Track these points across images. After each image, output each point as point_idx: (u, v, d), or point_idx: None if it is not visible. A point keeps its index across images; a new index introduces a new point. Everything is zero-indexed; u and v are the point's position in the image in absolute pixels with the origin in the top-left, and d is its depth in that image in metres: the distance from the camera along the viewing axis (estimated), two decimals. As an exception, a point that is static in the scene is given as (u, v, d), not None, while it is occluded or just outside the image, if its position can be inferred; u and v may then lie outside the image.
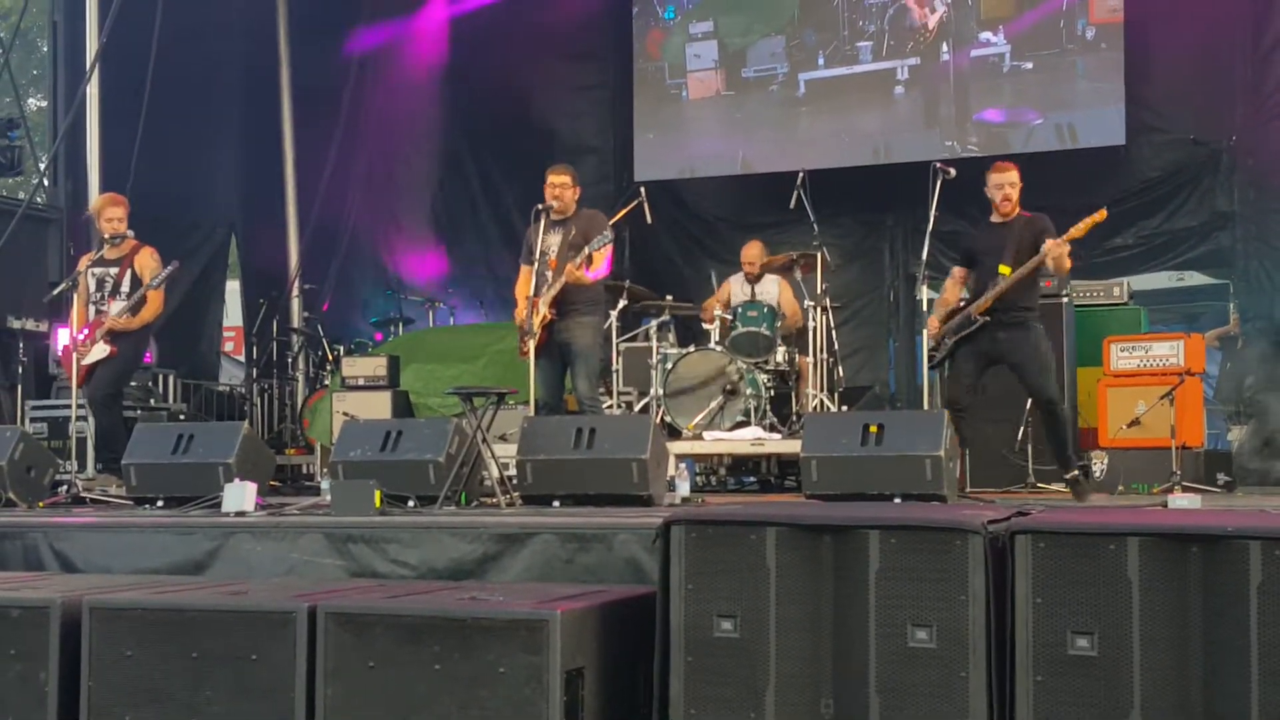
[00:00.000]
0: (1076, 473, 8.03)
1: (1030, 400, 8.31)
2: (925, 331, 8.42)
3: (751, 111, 13.91)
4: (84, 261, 9.49)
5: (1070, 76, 12.69)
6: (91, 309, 9.36)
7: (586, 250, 8.56)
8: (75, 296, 9.40)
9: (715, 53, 14.07)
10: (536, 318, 8.54)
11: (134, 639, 5.14)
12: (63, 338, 10.16)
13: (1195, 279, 12.22)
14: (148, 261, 9.37)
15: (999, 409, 9.20)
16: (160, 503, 7.82)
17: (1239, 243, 12.07)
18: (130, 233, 9.47)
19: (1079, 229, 7.95)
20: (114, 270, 9.37)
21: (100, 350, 9.18)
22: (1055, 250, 7.80)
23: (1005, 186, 8.11)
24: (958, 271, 8.38)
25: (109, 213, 9.42)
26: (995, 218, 8.21)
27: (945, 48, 13.06)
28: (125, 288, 9.32)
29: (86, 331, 9.22)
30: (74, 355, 9.22)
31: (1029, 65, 12.78)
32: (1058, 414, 8.06)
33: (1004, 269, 7.97)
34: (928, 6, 13.16)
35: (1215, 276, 12.16)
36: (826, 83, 13.53)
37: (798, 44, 13.68)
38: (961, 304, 8.21)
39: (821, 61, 13.54)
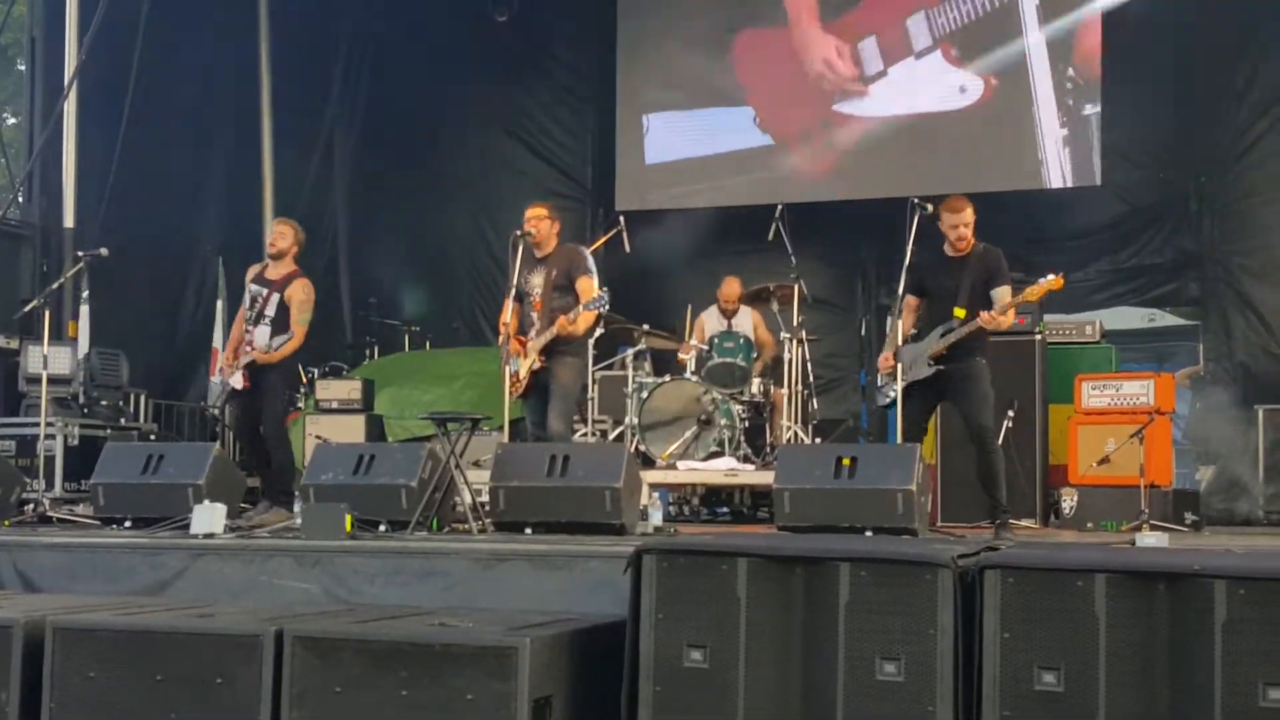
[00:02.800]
0: (1003, 517, 7.99)
1: (971, 434, 8.21)
2: (878, 367, 8.40)
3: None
4: (250, 273, 9.28)
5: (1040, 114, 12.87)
6: (246, 331, 9.09)
7: (580, 309, 8.54)
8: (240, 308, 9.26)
9: None
10: (525, 364, 8.55)
11: (98, 660, 5.11)
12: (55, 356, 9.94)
13: (1166, 319, 12.33)
14: (298, 293, 9.04)
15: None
16: (128, 523, 7.76)
17: (1206, 283, 12.17)
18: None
19: (1031, 294, 8.06)
20: (264, 291, 9.08)
21: (237, 380, 8.93)
22: (991, 323, 7.87)
23: (960, 226, 8.10)
24: (911, 301, 8.32)
25: (275, 228, 9.30)
26: (950, 251, 8.21)
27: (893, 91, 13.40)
28: (270, 312, 9.02)
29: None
30: (228, 365, 9.06)
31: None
32: (989, 447, 8.06)
33: (959, 311, 7.99)
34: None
35: (1185, 317, 12.26)
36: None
37: None
38: (913, 334, 8.23)
39: None
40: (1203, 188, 12.23)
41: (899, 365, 8.06)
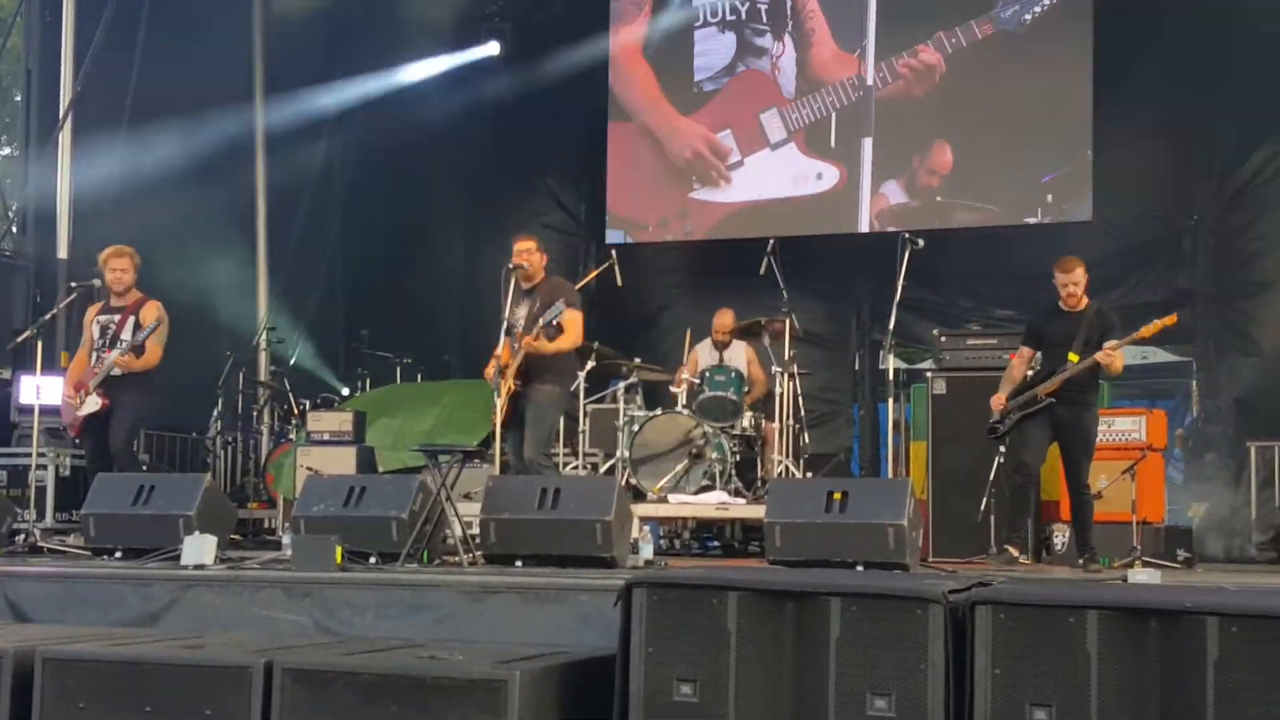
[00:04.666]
0: (1086, 558, 8.41)
1: (996, 469, 8.63)
2: (991, 404, 8.69)
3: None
4: (91, 312, 9.35)
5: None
6: (94, 356, 9.16)
7: (541, 322, 8.55)
8: (80, 347, 9.30)
9: None
10: (503, 392, 8.54)
11: (87, 691, 5.09)
12: (48, 386, 9.94)
13: (1159, 355, 12.34)
14: (150, 313, 9.18)
15: (963, 480, 9.24)
16: (119, 554, 7.72)
17: (1200, 321, 12.20)
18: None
19: (1146, 331, 8.45)
20: (116, 318, 9.19)
21: (92, 403, 8.99)
22: (1105, 359, 8.30)
23: (1070, 285, 8.57)
24: (1025, 351, 8.78)
25: (114, 263, 9.29)
26: (1064, 307, 8.63)
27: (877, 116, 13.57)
28: (126, 336, 9.11)
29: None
30: (72, 403, 9.07)
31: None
32: (1084, 499, 8.54)
33: (1073, 356, 8.42)
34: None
35: (1177, 354, 12.29)
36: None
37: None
38: (1027, 378, 8.62)
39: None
40: (1196, 226, 12.27)
41: (1011, 405, 8.54)
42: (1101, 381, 10.20)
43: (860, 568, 6.86)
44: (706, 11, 14.33)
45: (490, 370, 8.70)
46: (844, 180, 13.67)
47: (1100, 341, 8.39)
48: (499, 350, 8.73)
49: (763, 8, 14.10)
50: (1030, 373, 8.69)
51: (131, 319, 9.16)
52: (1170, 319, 8.48)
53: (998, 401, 8.68)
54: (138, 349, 9.04)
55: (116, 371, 9.01)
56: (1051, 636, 4.37)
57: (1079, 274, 8.60)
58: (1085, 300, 8.62)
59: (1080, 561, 8.42)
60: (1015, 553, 8.46)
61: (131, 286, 9.30)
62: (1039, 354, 8.77)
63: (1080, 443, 8.53)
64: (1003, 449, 8.69)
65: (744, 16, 14.18)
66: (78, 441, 9.54)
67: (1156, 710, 4.26)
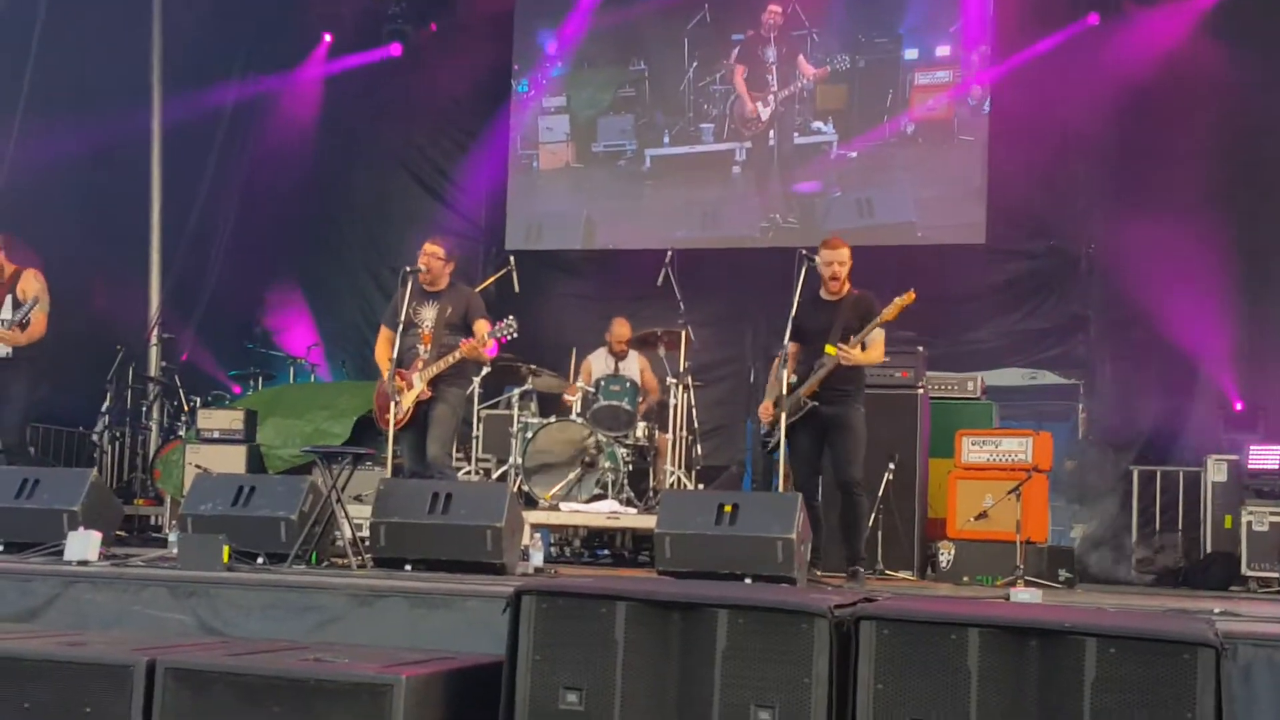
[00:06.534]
0: (858, 567, 8.16)
1: (840, 484, 8.28)
2: (759, 415, 8.52)
3: (599, 183, 14.50)
4: None
5: (922, 169, 13.26)
6: None
7: (485, 336, 8.53)
8: None
9: (567, 126, 14.62)
10: (410, 395, 8.52)
11: (-37, 687, 4.99)
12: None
13: (1047, 377, 12.54)
14: (30, 284, 9.15)
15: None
16: (1, 547, 7.63)
17: (1092, 345, 12.41)
18: None
19: (889, 312, 8.11)
20: None
21: None
22: (845, 359, 8.03)
23: (834, 264, 8.25)
24: (790, 348, 8.39)
25: None
26: (825, 294, 8.36)
27: (773, 135, 13.81)
28: (6, 315, 9.06)
29: None
30: None
31: (854, 154, 13.54)
32: (856, 499, 8.21)
33: (830, 349, 8.12)
34: (759, 101, 13.84)
35: (1066, 376, 12.51)
36: (671, 159, 14.22)
37: (646, 122, 14.32)
38: (792, 384, 8.30)
39: (667, 140, 14.24)
40: (1093, 253, 12.46)
41: (781, 413, 8.15)
42: (988, 401, 10.43)
43: (749, 580, 6.92)
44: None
45: (384, 380, 8.61)
46: (743, 196, 13.88)
47: (860, 328, 8.14)
48: (383, 349, 8.70)
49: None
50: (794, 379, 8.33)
51: (9, 296, 9.12)
52: (909, 297, 8.07)
53: (765, 410, 8.42)
54: (22, 324, 8.94)
55: (3, 351, 8.91)
56: (934, 652, 4.43)
57: (844, 254, 8.29)
58: (848, 287, 8.35)
59: (848, 572, 8.15)
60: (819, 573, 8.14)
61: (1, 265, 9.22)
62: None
63: (845, 439, 8.17)
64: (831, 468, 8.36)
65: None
66: None
67: (1035, 727, 4.33)
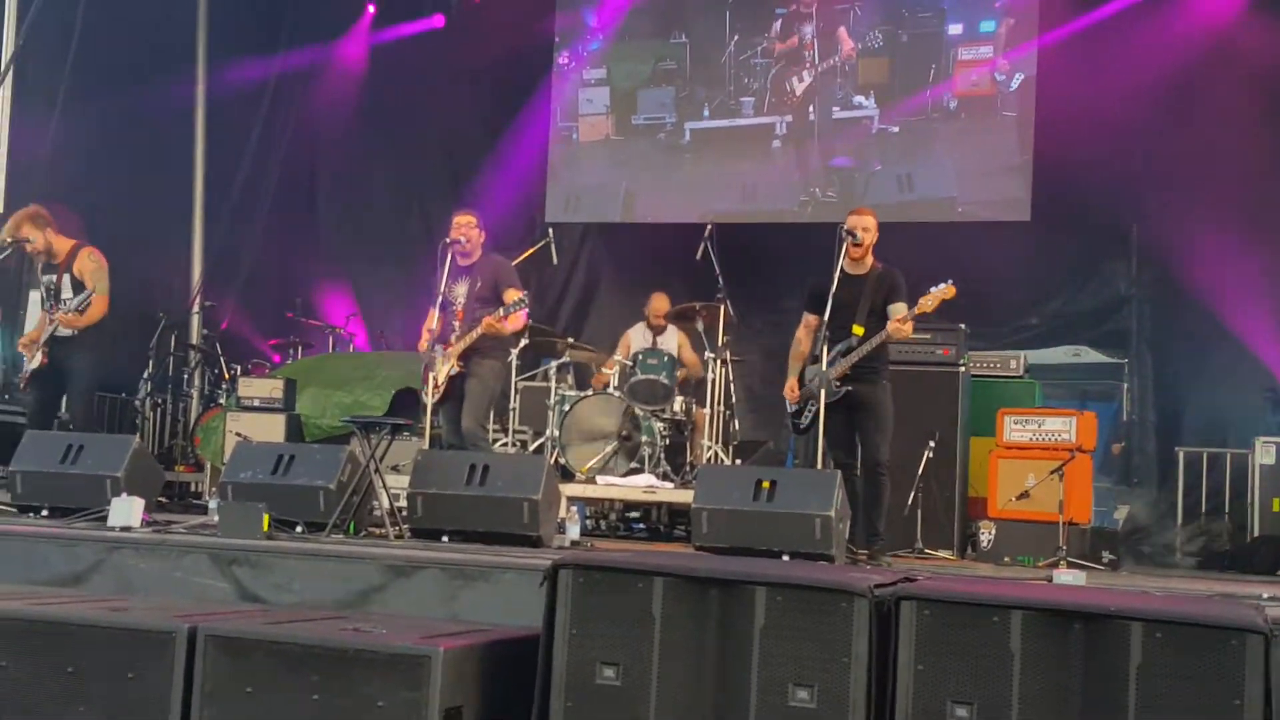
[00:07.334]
0: (876, 548, 8.03)
1: (866, 465, 8.18)
2: (785, 394, 8.43)
3: (639, 155, 14.47)
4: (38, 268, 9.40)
5: (962, 145, 13.18)
6: (45, 316, 9.23)
7: (505, 310, 8.55)
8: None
9: (607, 98, 14.61)
10: (444, 369, 8.54)
11: (9, 650, 5.03)
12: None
13: (1091, 355, 12.40)
14: (87, 264, 9.19)
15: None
16: (45, 512, 7.70)
17: (1136, 324, 12.29)
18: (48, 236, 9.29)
19: (927, 304, 8.03)
20: (54, 277, 9.21)
21: (36, 360, 9.05)
22: (896, 331, 7.94)
23: (858, 229, 8.10)
24: (810, 320, 8.30)
25: (25, 233, 9.22)
26: (849, 265, 8.19)
27: (813, 109, 13.75)
28: (66, 295, 9.13)
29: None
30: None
31: (895, 129, 13.46)
32: (880, 480, 8.09)
33: (857, 329, 8.03)
34: (796, 76, 13.78)
35: (1111, 355, 12.39)
36: (710, 132, 14.18)
37: (686, 95, 14.29)
38: (811, 356, 8.21)
39: (707, 113, 14.20)
40: (1138, 232, 12.32)
41: (817, 389, 8.08)
42: (1031, 380, 10.35)
43: (786, 557, 6.88)
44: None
45: (424, 344, 8.68)
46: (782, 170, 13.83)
47: (885, 308, 8.01)
48: (431, 324, 8.72)
49: None
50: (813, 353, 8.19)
51: (67, 276, 9.18)
52: (949, 291, 8.02)
53: (791, 389, 8.33)
54: (81, 308, 8.99)
55: (65, 332, 8.98)
56: (975, 634, 4.38)
57: (870, 221, 8.16)
58: (871, 259, 8.22)
59: (866, 550, 8.00)
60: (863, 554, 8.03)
61: (52, 244, 9.26)
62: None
63: (873, 418, 8.07)
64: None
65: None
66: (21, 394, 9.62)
67: (1077, 713, 4.26)
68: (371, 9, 14.95)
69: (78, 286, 9.14)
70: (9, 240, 9.19)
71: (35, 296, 11.77)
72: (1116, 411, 12.11)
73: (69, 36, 12.21)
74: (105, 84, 12.69)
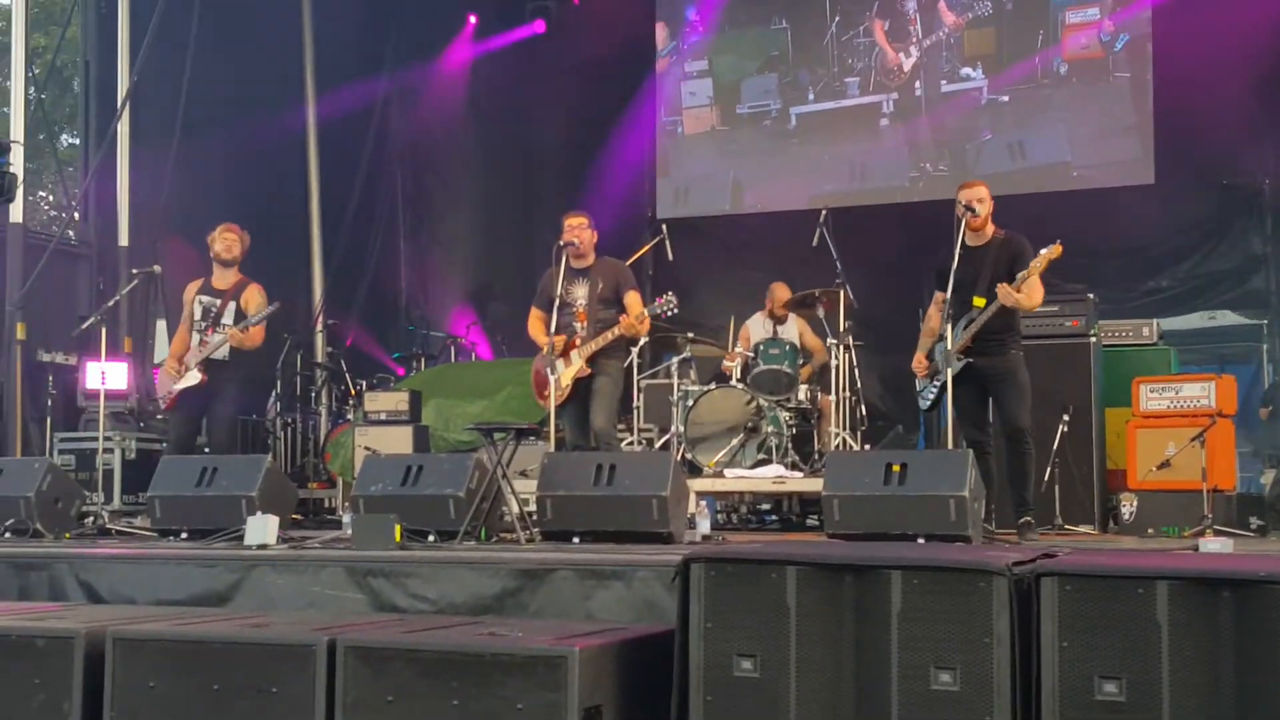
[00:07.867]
0: (1029, 518, 7.89)
1: (1007, 433, 8.03)
2: (914, 369, 8.34)
3: (745, 144, 14.51)
4: (191, 290, 9.50)
5: (1082, 110, 12.94)
6: (195, 336, 9.35)
7: (645, 312, 8.64)
8: (180, 323, 9.49)
9: (710, 90, 14.61)
10: (569, 372, 8.56)
11: (157, 670, 5.14)
12: (112, 372, 10.07)
13: (1228, 318, 12.11)
14: (254, 297, 9.37)
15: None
16: (184, 535, 7.86)
17: (1273, 283, 11.96)
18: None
19: (1036, 266, 7.82)
20: (218, 301, 9.36)
21: (192, 377, 9.16)
22: (1008, 300, 7.76)
23: (973, 201, 7.96)
24: (939, 297, 8.17)
25: (225, 235, 9.44)
26: (970, 238, 8.05)
27: (918, 85, 13.73)
28: (228, 320, 9.29)
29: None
30: (168, 376, 9.26)
31: (1005, 98, 13.38)
32: (1024, 447, 7.96)
33: (978, 301, 7.90)
34: (902, 52, 13.77)
35: (1249, 317, 12.04)
36: (817, 116, 14.20)
37: (790, 81, 14.26)
38: (942, 334, 8.06)
39: (812, 96, 14.21)
40: (1267, 188, 11.99)
41: (945, 366, 7.96)
42: (1165, 346, 10.09)
43: (921, 540, 6.77)
44: None
45: (546, 348, 8.68)
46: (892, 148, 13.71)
47: (1009, 278, 7.82)
48: (539, 329, 8.76)
49: None
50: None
51: (233, 304, 9.34)
52: (1056, 250, 7.78)
53: (919, 363, 8.22)
54: (249, 327, 9.21)
55: (220, 355, 9.12)
56: (1120, 608, 4.26)
57: (983, 191, 8.00)
58: (991, 228, 8.05)
59: (1018, 523, 7.87)
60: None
61: (237, 263, 9.46)
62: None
63: (1008, 388, 7.93)
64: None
65: None
66: (164, 416, 9.81)
67: (1231, 682, 4.14)
68: (473, 20, 15.04)
69: (239, 316, 9.30)
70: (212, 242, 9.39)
71: (162, 326, 12.05)
72: (1256, 373, 11.80)
73: (180, 73, 12.44)
74: (218, 117, 12.95)
